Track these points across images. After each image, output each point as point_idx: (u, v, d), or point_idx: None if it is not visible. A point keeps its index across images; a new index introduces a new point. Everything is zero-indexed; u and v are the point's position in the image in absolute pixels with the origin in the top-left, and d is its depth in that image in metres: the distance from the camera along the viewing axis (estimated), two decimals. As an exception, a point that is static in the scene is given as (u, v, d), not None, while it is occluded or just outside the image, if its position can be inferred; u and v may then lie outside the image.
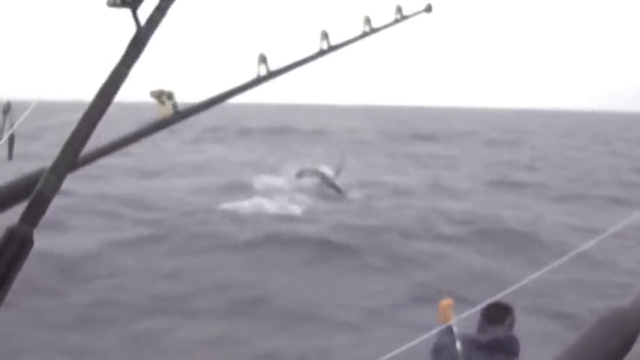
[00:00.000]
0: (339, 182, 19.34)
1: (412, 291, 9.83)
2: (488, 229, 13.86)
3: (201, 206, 15.75)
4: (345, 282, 10.29)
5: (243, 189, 18.31)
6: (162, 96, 2.07)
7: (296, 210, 15.88)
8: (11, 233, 0.79)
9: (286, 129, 48.18)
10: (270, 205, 16.08)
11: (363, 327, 8.31)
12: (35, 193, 0.81)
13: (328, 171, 20.43)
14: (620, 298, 1.07)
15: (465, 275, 10.64)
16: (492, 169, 26.21)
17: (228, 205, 15.73)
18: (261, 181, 19.38)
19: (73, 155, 0.84)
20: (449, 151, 33.86)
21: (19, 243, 0.79)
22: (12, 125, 1.87)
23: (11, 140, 1.82)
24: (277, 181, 19.37)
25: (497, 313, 3.80)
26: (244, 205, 15.90)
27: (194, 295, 9.41)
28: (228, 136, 40.68)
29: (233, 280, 10.17)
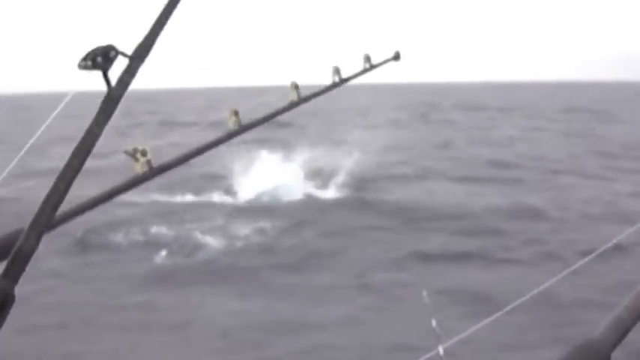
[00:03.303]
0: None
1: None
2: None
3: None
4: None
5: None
6: (136, 153, 2.12)
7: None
8: None
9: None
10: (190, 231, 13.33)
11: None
12: (16, 250, 0.81)
13: None
14: (589, 330, 1.06)
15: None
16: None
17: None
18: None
19: (50, 212, 0.85)
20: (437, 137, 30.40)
21: (1, 298, 0.79)
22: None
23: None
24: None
25: None
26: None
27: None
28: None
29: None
